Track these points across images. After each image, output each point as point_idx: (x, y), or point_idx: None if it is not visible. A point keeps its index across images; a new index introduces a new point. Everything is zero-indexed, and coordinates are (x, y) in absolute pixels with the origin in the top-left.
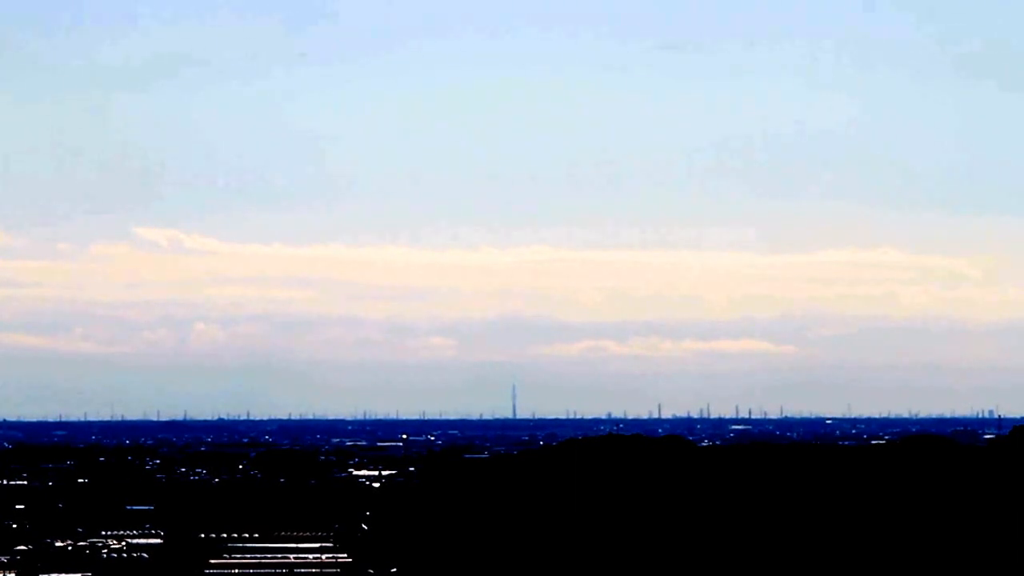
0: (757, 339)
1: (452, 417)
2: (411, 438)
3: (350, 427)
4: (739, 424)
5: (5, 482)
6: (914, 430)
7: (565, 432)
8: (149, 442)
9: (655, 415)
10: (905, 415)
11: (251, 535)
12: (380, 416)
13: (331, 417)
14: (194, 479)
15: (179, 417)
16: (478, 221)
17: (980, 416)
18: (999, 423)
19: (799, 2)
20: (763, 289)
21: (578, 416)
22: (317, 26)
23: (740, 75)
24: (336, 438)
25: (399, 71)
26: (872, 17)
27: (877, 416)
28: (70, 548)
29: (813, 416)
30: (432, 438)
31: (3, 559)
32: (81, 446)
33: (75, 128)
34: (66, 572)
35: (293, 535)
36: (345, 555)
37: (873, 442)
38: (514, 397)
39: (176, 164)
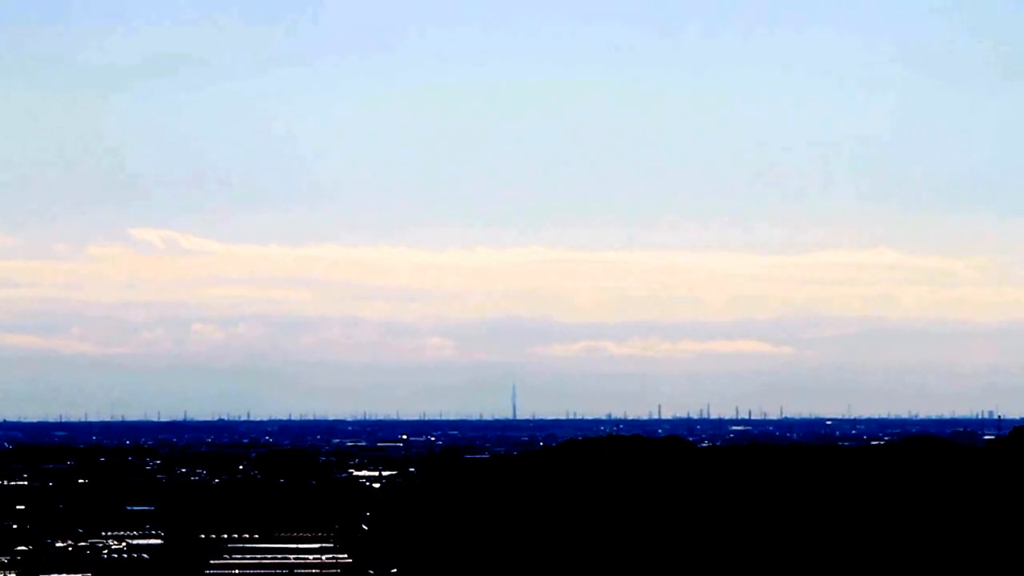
0: (755, 340)
1: (452, 418)
2: (411, 439)
3: (350, 427)
4: (739, 425)
5: (5, 482)
6: (914, 431)
7: (565, 433)
8: (149, 442)
9: (655, 416)
10: (905, 416)
11: (251, 535)
12: (380, 417)
13: (331, 418)
14: (194, 479)
15: (179, 418)
16: (475, 221)
17: (980, 417)
18: (999, 424)
19: (793, 4)
20: (761, 290)
21: (578, 417)
22: (312, 26)
23: (737, 76)
24: (336, 438)
25: (396, 71)
26: (869, 19)
27: (877, 417)
28: (70, 548)
29: (813, 417)
30: (432, 439)
31: (3, 559)
32: (81, 446)
33: (70, 128)
34: (66, 572)
35: (293, 535)
36: (345, 555)
37: (873, 443)
38: (514, 398)
39: (171, 164)
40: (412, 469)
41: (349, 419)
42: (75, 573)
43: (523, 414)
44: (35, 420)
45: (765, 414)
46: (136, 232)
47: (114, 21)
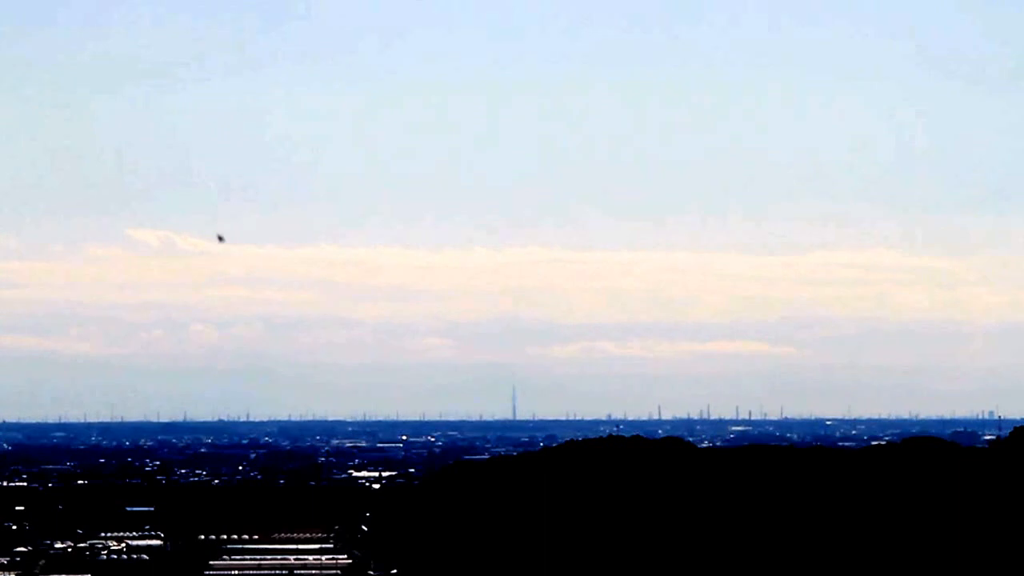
0: (755, 340)
1: (452, 418)
2: (411, 439)
3: (350, 428)
4: (739, 425)
5: (5, 483)
6: (914, 431)
7: (565, 433)
8: (149, 444)
9: (655, 416)
10: (905, 416)
11: (251, 536)
12: (380, 417)
13: (331, 418)
14: (194, 480)
15: (179, 418)
16: (473, 221)
17: (980, 417)
18: (999, 424)
19: (794, 4)
20: (761, 290)
21: (578, 417)
22: (310, 26)
23: (737, 77)
24: (336, 439)
25: (394, 71)
26: (870, 20)
27: (877, 417)
28: (70, 549)
29: (813, 417)
30: (432, 439)
31: (3, 560)
32: (81, 447)
33: (68, 130)
34: (66, 573)
35: (293, 536)
36: (345, 556)
37: (873, 443)
38: (514, 398)
39: (168, 165)
40: (412, 470)
41: (349, 420)
42: (75, 574)
43: (523, 415)
44: (34, 421)
45: (765, 414)
46: (134, 233)
47: (111, 22)
